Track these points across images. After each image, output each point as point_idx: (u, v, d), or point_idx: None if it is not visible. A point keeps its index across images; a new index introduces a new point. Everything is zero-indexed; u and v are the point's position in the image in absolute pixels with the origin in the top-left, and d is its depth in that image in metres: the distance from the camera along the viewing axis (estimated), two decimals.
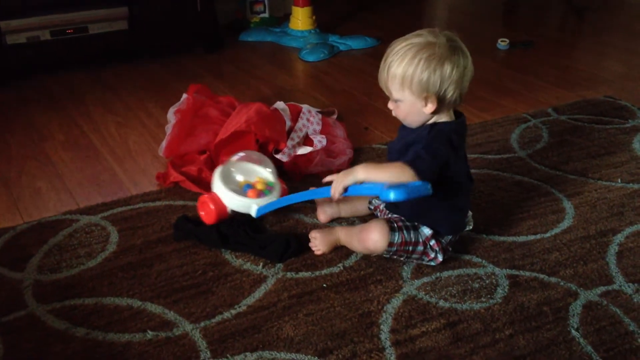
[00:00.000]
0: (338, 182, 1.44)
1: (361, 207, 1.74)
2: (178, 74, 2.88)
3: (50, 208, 1.82)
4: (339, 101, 2.53)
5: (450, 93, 1.44)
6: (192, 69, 2.96)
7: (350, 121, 2.33)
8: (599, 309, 1.44)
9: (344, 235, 1.61)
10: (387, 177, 1.38)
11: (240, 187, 1.70)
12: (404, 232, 1.52)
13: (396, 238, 1.51)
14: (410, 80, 1.41)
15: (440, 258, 1.54)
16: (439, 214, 1.52)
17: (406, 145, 1.48)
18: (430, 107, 1.44)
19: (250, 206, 1.65)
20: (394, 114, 1.52)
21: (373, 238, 1.52)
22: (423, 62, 1.40)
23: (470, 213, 1.61)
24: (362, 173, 1.42)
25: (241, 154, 1.81)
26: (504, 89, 2.70)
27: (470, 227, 1.62)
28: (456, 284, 1.51)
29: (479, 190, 1.90)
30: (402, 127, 1.55)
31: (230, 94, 2.46)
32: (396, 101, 1.47)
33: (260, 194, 1.67)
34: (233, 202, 1.65)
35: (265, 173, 1.76)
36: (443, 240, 1.54)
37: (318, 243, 1.62)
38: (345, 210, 1.75)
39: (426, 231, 1.52)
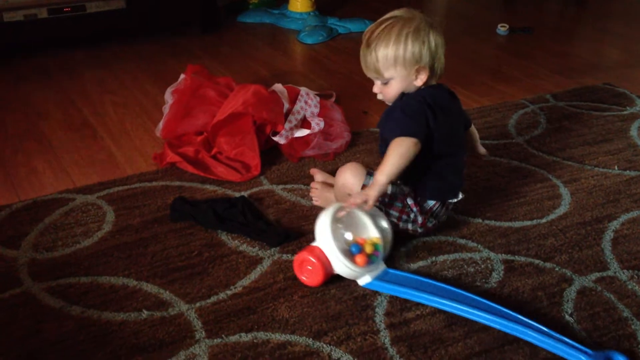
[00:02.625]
0: (371, 198, 1.41)
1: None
2: (176, 54, 2.86)
3: (47, 187, 1.82)
4: (337, 84, 2.52)
5: (438, 62, 1.49)
6: (189, 49, 2.94)
7: (348, 104, 2.32)
8: (593, 295, 1.44)
9: (330, 191, 1.67)
10: (397, 163, 1.42)
11: (348, 246, 1.43)
12: None
13: (370, 182, 1.51)
14: (403, 55, 1.45)
15: (419, 219, 1.54)
16: (417, 176, 1.52)
17: (385, 115, 1.55)
18: (422, 78, 1.48)
19: (362, 277, 1.43)
20: (380, 97, 1.55)
21: (346, 175, 1.57)
22: (411, 35, 1.44)
23: (461, 186, 1.61)
24: (381, 178, 1.41)
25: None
26: (502, 75, 2.69)
27: (458, 198, 1.59)
28: (451, 268, 1.51)
29: (475, 175, 1.90)
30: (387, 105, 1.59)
31: (227, 75, 2.45)
32: (386, 82, 1.49)
33: (368, 260, 1.42)
34: (344, 269, 1.40)
35: (375, 232, 1.46)
36: (425, 205, 1.54)
37: (318, 194, 1.73)
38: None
39: (405, 189, 1.53)
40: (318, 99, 2.21)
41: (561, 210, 1.74)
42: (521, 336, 1.28)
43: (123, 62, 2.76)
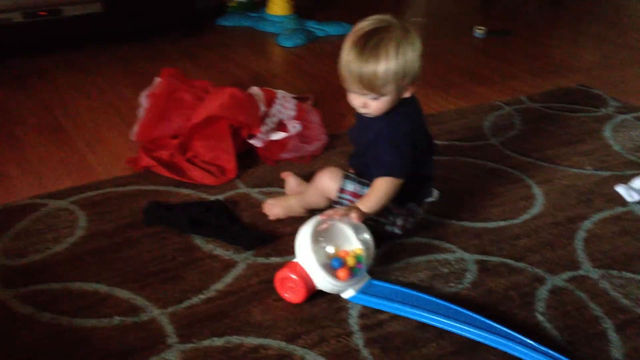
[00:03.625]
0: (359, 219, 1.41)
1: None
2: (153, 58, 2.85)
3: (18, 192, 1.80)
4: (315, 87, 2.52)
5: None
6: (168, 53, 2.93)
7: (326, 107, 2.32)
8: (565, 294, 1.45)
9: (298, 198, 1.65)
10: (383, 201, 1.43)
11: (329, 260, 1.38)
12: (357, 184, 1.53)
13: (348, 185, 1.53)
14: (403, 69, 1.37)
15: (399, 222, 1.54)
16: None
17: (367, 143, 1.49)
18: (412, 90, 1.45)
19: (345, 291, 1.40)
20: (364, 110, 1.45)
21: (324, 178, 1.56)
22: (409, 46, 1.37)
23: (433, 186, 1.62)
24: (366, 211, 1.42)
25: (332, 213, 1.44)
26: (479, 77, 2.71)
27: (433, 198, 1.60)
28: (425, 269, 1.52)
29: (450, 176, 1.91)
30: (359, 114, 1.52)
31: (205, 78, 2.44)
32: (377, 98, 1.41)
33: (350, 273, 1.37)
34: (326, 285, 1.37)
35: (357, 243, 1.42)
36: (404, 207, 1.54)
37: (272, 207, 1.68)
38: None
39: None
40: (295, 101, 2.21)
41: (534, 210, 1.75)
42: (509, 351, 1.25)
43: (100, 66, 2.74)
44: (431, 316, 1.32)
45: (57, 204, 1.74)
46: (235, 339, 1.30)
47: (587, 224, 1.69)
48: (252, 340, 1.30)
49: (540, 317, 1.38)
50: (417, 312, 1.33)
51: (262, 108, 2.09)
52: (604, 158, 2.03)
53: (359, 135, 1.56)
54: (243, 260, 1.53)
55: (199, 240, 1.60)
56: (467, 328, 1.28)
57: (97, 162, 1.98)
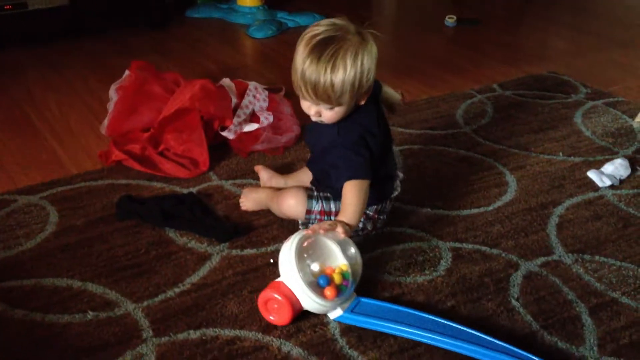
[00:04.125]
0: (340, 235, 1.34)
1: (305, 178, 1.68)
2: (122, 51, 2.81)
3: None
4: (286, 78, 2.47)
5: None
6: (137, 46, 2.89)
7: (298, 98, 2.28)
8: (539, 279, 1.46)
9: (269, 198, 1.63)
10: (362, 206, 1.40)
11: (315, 278, 1.30)
12: (323, 201, 1.53)
13: (314, 205, 1.53)
14: (360, 79, 1.33)
15: (369, 227, 1.54)
16: (339, 187, 1.45)
17: (323, 149, 1.48)
18: (365, 98, 1.41)
19: (333, 311, 1.33)
20: (317, 118, 1.41)
21: (289, 203, 1.56)
22: (366, 54, 1.33)
23: (400, 176, 1.61)
24: (353, 223, 1.38)
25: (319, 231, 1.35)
26: (450, 66, 2.72)
27: (397, 193, 1.58)
28: (400, 258, 1.52)
29: (424, 165, 1.91)
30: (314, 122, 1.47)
31: (176, 71, 2.41)
32: (331, 108, 1.37)
33: (338, 291, 1.29)
34: (313, 305, 1.29)
35: (342, 259, 1.34)
36: (368, 211, 1.52)
37: (245, 200, 1.68)
38: (293, 184, 1.73)
39: None
40: (267, 93, 2.19)
41: (507, 197, 1.76)
42: None
43: (68, 61, 2.69)
44: (422, 333, 1.26)
45: (28, 199, 1.71)
46: (211, 332, 1.30)
47: (560, 210, 1.71)
48: (228, 332, 1.29)
49: (515, 303, 1.39)
50: (408, 329, 1.28)
51: (234, 100, 2.07)
52: (575, 144, 2.05)
53: (315, 142, 1.54)
54: (217, 253, 1.52)
55: (172, 234, 1.58)
56: (458, 344, 1.24)
57: (68, 156, 1.95)
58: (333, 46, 1.31)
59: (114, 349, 1.25)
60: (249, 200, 1.67)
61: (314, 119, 1.42)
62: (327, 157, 1.47)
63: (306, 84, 1.34)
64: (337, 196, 1.48)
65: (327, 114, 1.39)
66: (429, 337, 1.26)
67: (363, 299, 1.36)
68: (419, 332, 1.27)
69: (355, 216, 1.39)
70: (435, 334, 1.26)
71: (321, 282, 1.29)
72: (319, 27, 1.35)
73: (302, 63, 1.33)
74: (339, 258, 1.34)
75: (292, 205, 1.55)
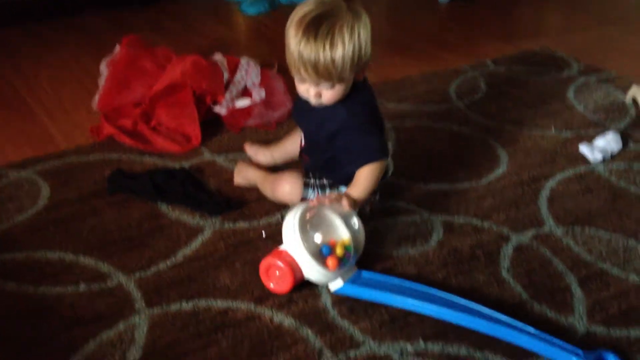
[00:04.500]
0: (346, 208, 1.35)
1: (291, 148, 1.67)
2: (115, 27, 2.79)
3: None
4: (279, 54, 2.47)
5: None
6: (129, 22, 2.87)
7: (290, 74, 2.29)
8: (530, 251, 1.47)
9: (260, 180, 1.61)
10: (373, 187, 1.40)
11: (318, 249, 1.31)
12: (319, 190, 1.51)
13: (309, 194, 1.51)
14: (359, 53, 1.31)
15: (367, 209, 1.54)
16: (351, 171, 1.44)
17: (330, 136, 1.43)
18: (363, 72, 1.40)
19: (334, 281, 1.33)
20: (316, 101, 1.38)
21: (284, 189, 1.54)
22: (362, 27, 1.31)
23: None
24: (359, 200, 1.39)
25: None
26: (444, 42, 2.71)
27: (389, 174, 1.57)
28: (392, 231, 1.53)
29: (416, 140, 1.92)
30: (303, 105, 1.44)
31: (167, 47, 2.40)
32: (332, 86, 1.35)
33: (340, 262, 1.30)
34: (315, 274, 1.30)
35: (345, 232, 1.34)
36: None
37: (237, 174, 1.67)
38: (279, 156, 1.71)
39: (343, 189, 1.46)
40: (259, 68, 2.18)
41: (499, 171, 1.77)
42: (506, 338, 1.21)
43: (59, 37, 2.67)
44: (424, 305, 1.27)
45: (19, 174, 1.70)
46: (203, 303, 1.30)
47: (551, 183, 1.72)
48: (220, 304, 1.30)
49: (505, 274, 1.40)
50: (409, 301, 1.28)
51: (226, 75, 2.07)
52: (567, 119, 2.05)
53: (317, 129, 1.47)
54: (209, 226, 1.53)
55: (164, 208, 1.59)
56: (461, 316, 1.24)
57: (59, 131, 1.94)
58: (327, 22, 1.29)
59: (106, 319, 1.26)
60: (241, 177, 1.67)
61: (314, 101, 1.39)
62: (337, 142, 1.42)
63: (305, 64, 1.31)
64: (342, 182, 1.48)
65: (327, 94, 1.36)
66: (429, 309, 1.26)
67: (364, 272, 1.36)
68: (420, 304, 1.27)
69: (364, 194, 1.40)
70: (435, 305, 1.26)
71: (324, 252, 1.29)
72: (309, 6, 1.32)
73: (298, 44, 1.30)
74: (341, 231, 1.34)
75: (287, 191, 1.53)
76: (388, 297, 1.30)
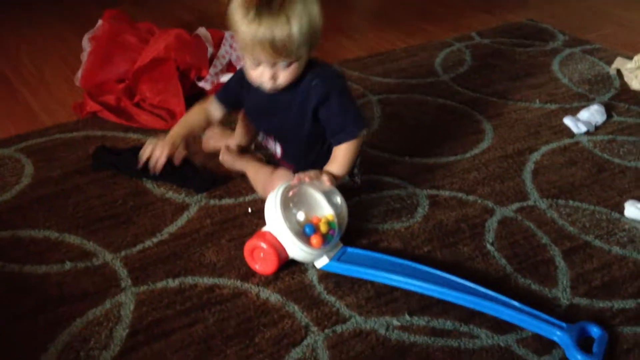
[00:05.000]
0: (326, 183, 1.34)
1: (244, 137, 1.65)
2: (96, 1, 2.75)
3: None
4: None
5: None
6: None
7: None
8: (514, 224, 1.48)
9: (251, 173, 1.56)
10: (352, 160, 1.40)
11: (301, 227, 1.31)
12: None
13: None
14: (314, 28, 1.26)
15: (357, 180, 1.54)
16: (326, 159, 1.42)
17: (297, 124, 1.40)
18: (316, 47, 1.33)
19: (319, 259, 1.33)
20: (270, 85, 1.32)
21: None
22: (314, 2, 1.26)
23: None
24: (340, 175, 1.38)
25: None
26: (429, 15, 2.69)
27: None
28: (378, 206, 1.53)
29: (402, 114, 1.91)
30: (258, 101, 1.41)
31: (150, 21, 2.37)
32: (289, 65, 1.29)
33: (324, 240, 1.30)
34: (299, 253, 1.30)
35: (329, 209, 1.34)
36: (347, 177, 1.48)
37: (224, 154, 1.63)
38: (247, 139, 1.66)
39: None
40: None
41: (484, 144, 1.77)
42: (490, 312, 1.22)
43: (40, 11, 2.63)
44: (408, 280, 1.27)
45: (2, 152, 1.69)
46: (189, 280, 1.31)
47: (536, 156, 1.73)
48: (206, 280, 1.30)
49: (490, 247, 1.41)
50: (394, 277, 1.28)
51: (210, 49, 2.05)
52: (552, 91, 2.05)
53: (281, 122, 1.43)
54: (195, 203, 1.52)
55: (149, 185, 1.58)
56: (445, 291, 1.25)
57: (42, 108, 1.92)
58: None
59: (93, 298, 1.26)
60: (226, 161, 1.63)
61: (269, 85, 1.32)
62: (320, 116, 1.38)
63: (262, 43, 1.23)
64: (300, 163, 1.45)
65: (284, 74, 1.31)
66: (415, 285, 1.27)
67: (349, 248, 1.37)
68: (405, 280, 1.28)
69: (344, 168, 1.39)
70: (421, 281, 1.27)
71: (307, 230, 1.29)
72: None
73: (251, 23, 1.22)
74: (324, 208, 1.33)
75: None
76: (374, 274, 1.30)
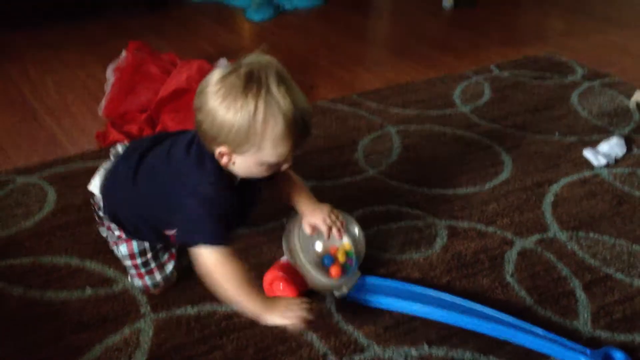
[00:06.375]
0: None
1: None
2: (120, 33, 2.80)
3: None
4: (284, 60, 2.47)
5: None
6: (134, 28, 2.89)
7: (295, 79, 2.28)
8: (534, 256, 1.48)
9: None
10: None
11: (320, 259, 1.32)
12: None
13: None
14: None
15: None
16: None
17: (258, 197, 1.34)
18: None
19: (338, 289, 1.33)
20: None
21: None
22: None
23: None
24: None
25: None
26: (447, 47, 2.72)
27: None
28: (396, 236, 1.53)
29: (420, 145, 1.92)
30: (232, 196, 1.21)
31: (172, 52, 2.42)
32: None
33: (343, 269, 1.31)
34: (318, 284, 1.29)
35: (345, 238, 1.33)
36: None
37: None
38: None
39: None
40: None
41: (503, 176, 1.77)
42: (514, 339, 1.22)
43: (66, 43, 2.69)
44: (430, 309, 1.28)
45: (26, 179, 1.71)
46: (208, 307, 1.31)
47: (555, 188, 1.72)
48: (225, 308, 1.31)
49: (510, 279, 1.40)
50: (415, 306, 1.29)
51: None
52: (571, 124, 2.05)
53: (250, 202, 1.30)
54: None
55: None
56: (468, 319, 1.25)
57: (66, 137, 1.95)
58: (279, 73, 1.12)
59: (112, 323, 1.27)
60: None
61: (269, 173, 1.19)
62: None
63: (304, 117, 1.11)
64: None
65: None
66: (436, 314, 1.27)
67: (368, 277, 1.36)
68: (425, 309, 1.28)
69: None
70: (441, 309, 1.27)
71: (326, 261, 1.30)
72: (241, 68, 1.11)
73: (286, 97, 1.09)
74: (343, 238, 1.34)
75: None
76: (393, 303, 1.30)
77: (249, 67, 1.10)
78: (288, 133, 1.10)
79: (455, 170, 1.79)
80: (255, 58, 1.13)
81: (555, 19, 3.17)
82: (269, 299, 1.17)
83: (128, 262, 1.32)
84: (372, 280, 1.36)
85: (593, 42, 2.78)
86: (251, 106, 1.07)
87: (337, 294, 1.33)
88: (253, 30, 2.95)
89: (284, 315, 1.12)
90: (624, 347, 1.24)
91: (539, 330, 1.22)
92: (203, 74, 1.97)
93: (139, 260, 1.31)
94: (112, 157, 1.34)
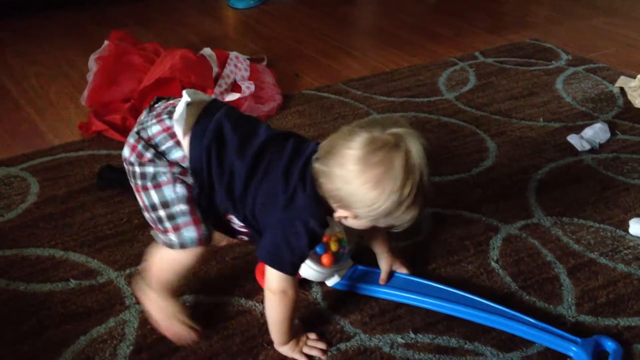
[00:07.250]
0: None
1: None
2: (102, 22, 2.78)
3: None
4: (269, 48, 2.50)
5: None
6: (117, 17, 2.86)
7: (280, 68, 2.30)
8: (519, 242, 1.48)
9: None
10: None
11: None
12: None
13: None
14: None
15: None
16: None
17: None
18: None
19: (330, 278, 1.33)
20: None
21: None
22: None
23: None
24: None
25: None
26: (432, 34, 2.71)
27: None
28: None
29: None
30: None
31: (156, 42, 2.40)
32: None
33: (335, 258, 1.30)
34: (310, 272, 1.28)
35: (338, 227, 1.29)
36: None
37: None
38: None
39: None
40: (248, 62, 2.19)
41: (488, 162, 1.77)
42: (504, 328, 1.22)
43: (47, 32, 2.66)
44: (420, 298, 1.28)
45: (8, 171, 1.70)
46: (193, 297, 1.30)
47: (540, 174, 1.73)
48: (211, 298, 1.30)
49: (494, 264, 1.41)
50: (406, 295, 1.29)
51: (215, 69, 2.06)
52: (556, 110, 2.06)
53: None
54: None
55: None
56: (456, 308, 1.25)
57: (48, 128, 1.93)
58: (430, 158, 1.11)
59: (97, 315, 1.26)
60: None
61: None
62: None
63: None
64: None
65: None
66: (426, 302, 1.27)
67: (360, 267, 1.36)
68: (416, 298, 1.28)
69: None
70: (432, 298, 1.27)
71: (318, 249, 1.28)
72: (398, 154, 1.06)
73: (430, 187, 1.08)
74: (334, 226, 1.31)
75: None
76: (387, 292, 1.31)
77: (407, 156, 1.05)
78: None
79: (440, 157, 1.79)
80: (410, 139, 1.08)
81: (539, 6, 3.16)
82: (295, 339, 1.20)
83: (183, 206, 1.12)
84: (364, 269, 1.36)
85: (578, 28, 2.79)
86: (404, 196, 1.02)
87: (329, 282, 1.33)
88: (237, 18, 2.93)
89: (301, 356, 1.19)
90: (608, 331, 1.25)
91: (530, 319, 1.22)
92: (186, 62, 1.97)
93: (195, 204, 1.14)
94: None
